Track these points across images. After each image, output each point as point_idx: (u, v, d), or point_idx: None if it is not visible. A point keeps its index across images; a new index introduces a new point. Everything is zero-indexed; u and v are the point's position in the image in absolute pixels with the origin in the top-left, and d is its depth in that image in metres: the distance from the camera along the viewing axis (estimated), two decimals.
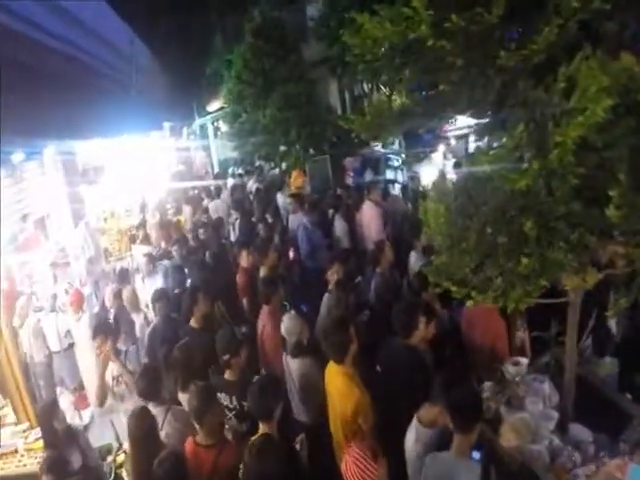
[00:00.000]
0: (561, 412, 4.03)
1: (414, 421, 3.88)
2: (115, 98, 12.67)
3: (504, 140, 2.99)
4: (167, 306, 6.64)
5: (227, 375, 5.02)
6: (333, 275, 6.57)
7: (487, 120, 3.55)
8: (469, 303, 3.14)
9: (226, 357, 4.93)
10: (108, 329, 6.01)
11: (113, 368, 5.68)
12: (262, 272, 7.37)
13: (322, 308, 6.35)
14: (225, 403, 4.87)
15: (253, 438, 3.96)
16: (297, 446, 4.49)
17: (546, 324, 4.91)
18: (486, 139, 3.87)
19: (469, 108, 3.53)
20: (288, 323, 5.37)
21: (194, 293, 6.43)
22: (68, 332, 7.84)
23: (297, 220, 10.10)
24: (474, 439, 3.43)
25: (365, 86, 22.75)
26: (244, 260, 7.85)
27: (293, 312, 5.63)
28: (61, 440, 5.11)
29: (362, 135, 4.04)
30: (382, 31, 3.35)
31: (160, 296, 6.69)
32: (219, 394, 4.80)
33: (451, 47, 3.07)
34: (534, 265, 2.72)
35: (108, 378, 5.71)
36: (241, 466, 3.73)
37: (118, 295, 7.76)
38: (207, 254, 9.05)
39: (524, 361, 4.51)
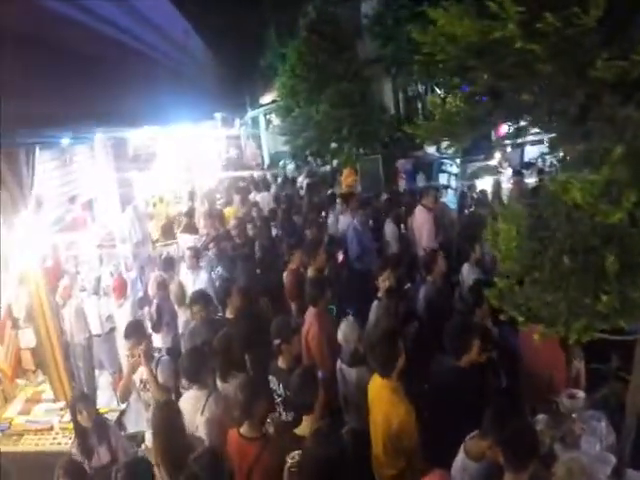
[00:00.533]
0: (618, 455, 3.68)
1: (461, 453, 3.60)
2: (167, 87, 12.63)
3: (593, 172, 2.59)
4: (206, 308, 6.42)
5: (279, 362, 5.06)
6: (384, 282, 6.20)
7: (558, 133, 3.22)
8: (536, 337, 2.84)
9: (277, 342, 4.99)
10: (141, 332, 5.65)
11: (142, 372, 5.41)
12: (310, 273, 7.10)
13: (370, 315, 6.04)
14: (274, 388, 5.01)
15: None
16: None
17: (603, 356, 4.62)
18: (559, 153, 3.55)
19: (547, 120, 3.19)
20: (346, 330, 5.09)
21: (228, 287, 6.50)
22: (110, 316, 7.72)
23: (347, 220, 9.81)
24: (527, 478, 3.13)
25: (420, 87, 22.45)
26: (293, 260, 7.61)
27: (351, 318, 5.33)
28: (88, 433, 4.92)
29: (425, 140, 3.73)
30: (460, 28, 3.01)
31: (198, 298, 6.48)
32: (270, 377, 5.02)
33: (541, 51, 2.73)
34: (614, 304, 2.42)
35: (136, 379, 5.50)
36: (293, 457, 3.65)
37: (162, 285, 7.54)
38: (256, 248, 8.86)
39: (581, 394, 4.15)
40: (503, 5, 2.71)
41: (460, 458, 3.57)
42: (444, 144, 13.72)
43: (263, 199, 13.15)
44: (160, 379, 5.30)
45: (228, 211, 12.36)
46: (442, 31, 3.13)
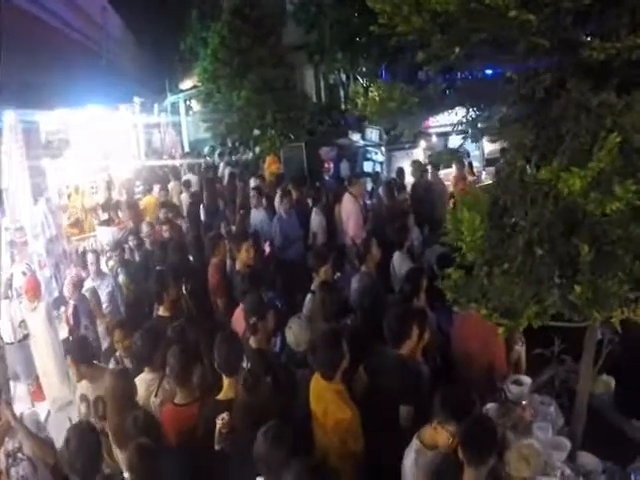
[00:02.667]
0: (569, 438, 3.71)
1: (414, 441, 3.53)
2: (83, 66, 11.97)
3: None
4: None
5: (252, 341, 4.87)
6: (321, 276, 6.02)
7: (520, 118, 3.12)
8: (500, 331, 2.74)
9: (252, 320, 4.85)
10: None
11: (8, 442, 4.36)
12: (238, 266, 6.81)
13: (304, 310, 5.83)
14: None
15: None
16: None
17: (544, 339, 4.63)
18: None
19: (512, 103, 3.06)
20: (297, 331, 4.78)
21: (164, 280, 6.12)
22: (23, 322, 7.15)
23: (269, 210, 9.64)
24: (486, 472, 3.10)
25: (342, 76, 22.46)
26: (217, 253, 7.18)
27: (302, 316, 5.10)
28: None
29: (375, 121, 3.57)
30: None
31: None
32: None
33: (538, 22, 2.44)
34: (587, 295, 2.36)
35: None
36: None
37: (79, 285, 7.09)
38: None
39: (527, 380, 4.09)
40: None
41: (412, 448, 3.51)
42: (370, 132, 13.98)
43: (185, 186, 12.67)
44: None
45: (148, 200, 11.83)
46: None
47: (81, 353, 4.97)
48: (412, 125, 12.82)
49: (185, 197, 12.05)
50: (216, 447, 3.86)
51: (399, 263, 6.91)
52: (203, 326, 5.83)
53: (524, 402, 3.91)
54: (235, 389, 4.07)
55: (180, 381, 4.28)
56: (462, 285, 2.94)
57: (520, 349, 4.82)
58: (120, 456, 4.31)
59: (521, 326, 2.75)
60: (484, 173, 12.52)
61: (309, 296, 5.88)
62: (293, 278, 7.69)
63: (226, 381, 4.22)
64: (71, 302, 6.96)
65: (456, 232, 2.87)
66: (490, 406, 3.99)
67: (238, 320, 5.53)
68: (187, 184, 12.70)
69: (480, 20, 2.51)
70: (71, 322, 6.79)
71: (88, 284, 7.48)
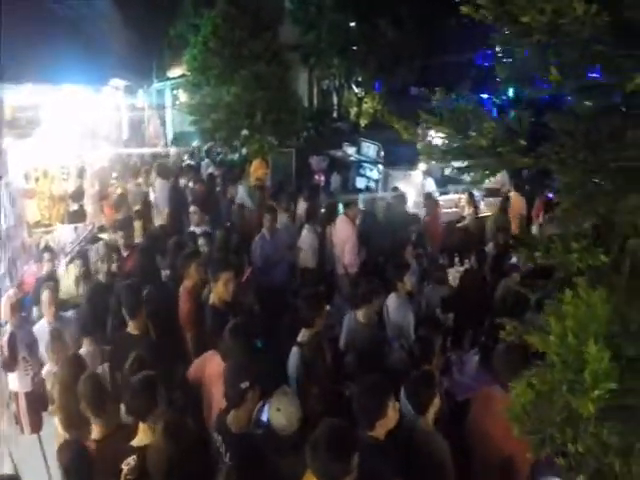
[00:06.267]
0: None
1: None
2: (59, 38, 11.00)
3: None
4: None
5: (231, 417, 3.96)
6: (316, 326, 4.96)
7: None
8: None
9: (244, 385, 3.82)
10: None
11: None
12: (212, 298, 5.62)
13: (290, 365, 4.81)
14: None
15: None
16: None
17: None
18: None
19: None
20: (288, 410, 3.73)
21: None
22: None
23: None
24: None
25: (336, 82, 21.97)
26: (189, 275, 6.04)
27: (289, 391, 4.04)
28: None
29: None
30: None
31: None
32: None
33: None
34: None
35: None
36: None
37: (18, 307, 5.92)
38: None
39: None
40: None
41: None
42: (367, 146, 13.23)
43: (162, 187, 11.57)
44: None
45: (121, 195, 10.80)
46: None
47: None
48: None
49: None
50: None
51: (395, 308, 6.01)
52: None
53: None
54: (151, 434, 3.70)
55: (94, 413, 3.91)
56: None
57: None
58: None
59: None
60: (482, 203, 11.88)
61: (294, 349, 4.86)
62: (276, 309, 6.75)
63: (141, 426, 3.79)
64: (8, 328, 5.77)
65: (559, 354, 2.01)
66: None
67: (209, 370, 4.56)
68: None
69: None
70: (5, 353, 5.59)
71: None
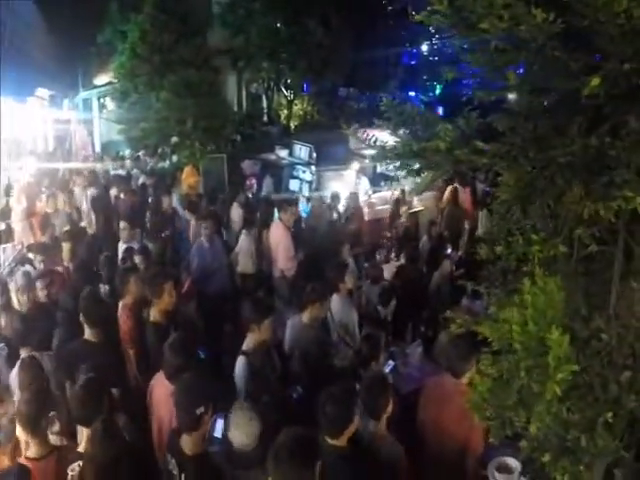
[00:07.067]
0: None
1: None
2: None
3: None
4: None
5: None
6: (261, 333, 4.79)
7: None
8: None
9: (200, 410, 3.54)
10: None
11: None
12: (152, 314, 5.32)
13: (237, 375, 4.65)
14: None
15: None
16: None
17: None
18: None
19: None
20: (246, 425, 3.60)
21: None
22: None
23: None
24: None
25: (265, 85, 21.92)
26: (128, 291, 5.65)
27: (243, 403, 3.90)
28: None
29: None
30: None
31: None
32: None
33: None
34: None
35: None
36: None
37: None
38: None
39: (515, 465, 3.26)
40: None
41: None
42: (299, 148, 13.32)
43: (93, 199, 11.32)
44: None
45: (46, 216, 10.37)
46: None
47: None
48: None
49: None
50: None
51: (339, 308, 5.97)
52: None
53: None
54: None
55: (30, 431, 3.61)
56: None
57: None
58: None
59: None
60: (415, 199, 12.14)
61: (241, 358, 4.70)
62: (217, 317, 6.76)
63: (84, 432, 3.73)
64: None
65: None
66: None
67: (156, 395, 4.36)
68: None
69: None
70: None
71: None
